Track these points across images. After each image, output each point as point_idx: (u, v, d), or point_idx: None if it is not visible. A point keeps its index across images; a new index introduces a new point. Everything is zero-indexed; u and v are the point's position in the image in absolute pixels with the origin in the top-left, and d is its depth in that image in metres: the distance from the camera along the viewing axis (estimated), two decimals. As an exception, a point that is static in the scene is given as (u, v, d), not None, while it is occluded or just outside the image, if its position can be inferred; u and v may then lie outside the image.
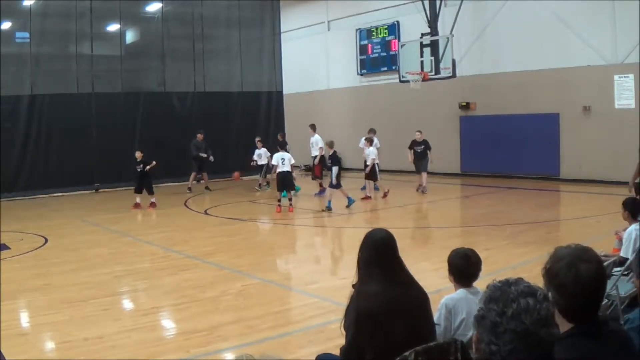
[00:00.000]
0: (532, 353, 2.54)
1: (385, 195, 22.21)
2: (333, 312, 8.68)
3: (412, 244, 13.70)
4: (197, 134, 26.58)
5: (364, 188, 22.79)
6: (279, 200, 20.33)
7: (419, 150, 23.13)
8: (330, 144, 21.27)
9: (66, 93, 27.24)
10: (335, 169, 20.34)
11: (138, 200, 21.64)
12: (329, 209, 19.50)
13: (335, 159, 20.78)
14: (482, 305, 2.64)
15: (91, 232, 17.86)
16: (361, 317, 4.64)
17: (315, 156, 23.59)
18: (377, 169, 22.02)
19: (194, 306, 9.91)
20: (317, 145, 23.72)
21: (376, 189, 22.96)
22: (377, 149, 22.39)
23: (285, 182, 20.14)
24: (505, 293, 2.60)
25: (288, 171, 20.11)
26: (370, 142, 22.07)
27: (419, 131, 23.15)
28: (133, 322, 9.25)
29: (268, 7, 32.86)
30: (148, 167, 21.59)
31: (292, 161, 20.45)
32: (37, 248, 15.16)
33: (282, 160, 20.09)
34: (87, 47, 28.04)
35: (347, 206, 19.99)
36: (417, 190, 23.15)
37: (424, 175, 23.16)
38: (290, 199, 20.20)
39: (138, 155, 21.82)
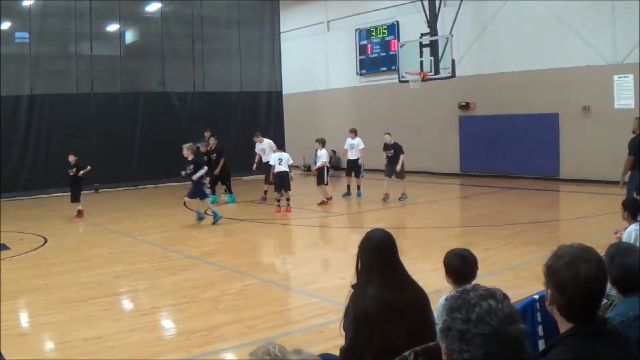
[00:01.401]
0: (505, 351, 2.54)
1: (322, 203, 21.29)
2: (333, 312, 8.66)
3: (411, 243, 13.69)
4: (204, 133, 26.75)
5: (346, 194, 23.13)
6: (278, 201, 20.34)
7: (389, 155, 21.81)
8: (321, 142, 21.60)
9: (66, 93, 27.26)
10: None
11: (80, 207, 20.02)
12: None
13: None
14: (445, 317, 2.64)
15: (91, 232, 17.87)
16: (359, 319, 4.66)
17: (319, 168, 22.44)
18: (325, 172, 21.67)
19: (194, 306, 9.90)
20: (320, 159, 22.51)
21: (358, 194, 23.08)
22: (361, 149, 22.72)
23: (284, 183, 20.01)
24: (465, 300, 2.59)
25: (286, 171, 19.99)
26: (322, 144, 21.87)
27: (388, 133, 21.80)
28: (133, 322, 9.23)
29: (267, 7, 32.85)
30: (82, 172, 19.73)
31: (291, 161, 20.36)
32: (36, 248, 15.15)
33: (280, 161, 20.06)
34: (87, 47, 28.07)
35: (319, 203, 21.13)
36: (383, 199, 21.46)
37: (403, 182, 21.91)
38: (288, 199, 20.15)
39: (71, 159, 19.75)
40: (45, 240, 16.19)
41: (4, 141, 25.01)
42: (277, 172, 20.01)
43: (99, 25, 28.90)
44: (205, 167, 18.63)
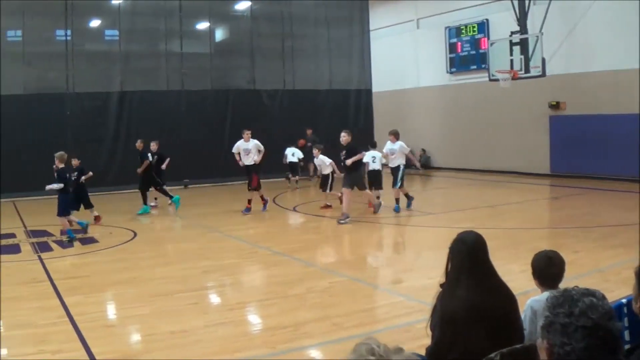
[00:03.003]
0: (604, 346, 2.58)
1: (325, 207, 19.90)
2: (420, 312, 8.43)
3: (500, 244, 13.31)
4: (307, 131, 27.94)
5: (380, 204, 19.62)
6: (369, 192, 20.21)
7: (342, 158, 18.31)
8: (320, 148, 20.61)
9: (156, 90, 27.70)
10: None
11: (96, 213, 18.49)
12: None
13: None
14: (547, 313, 2.74)
15: (180, 227, 18.03)
16: (445, 319, 4.66)
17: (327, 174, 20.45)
18: (330, 178, 20.23)
19: (280, 302, 9.82)
20: (325, 164, 20.50)
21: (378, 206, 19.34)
22: (410, 152, 20.91)
23: (377, 181, 19.72)
24: (567, 296, 2.69)
25: (379, 170, 19.71)
26: (320, 150, 20.58)
27: (345, 131, 18.29)
28: (219, 317, 9.23)
29: (357, 5, 32.69)
30: (84, 177, 18.17)
31: (383, 160, 19.85)
32: (125, 242, 15.28)
33: (373, 159, 19.70)
34: (177, 45, 28.46)
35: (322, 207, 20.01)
36: (338, 222, 17.47)
37: (368, 193, 18.84)
38: (378, 197, 19.81)
39: (74, 162, 18.14)
40: (135, 234, 16.34)
41: (95, 137, 25.47)
42: (370, 170, 19.75)
43: (189, 24, 29.32)
44: (61, 184, 15.88)
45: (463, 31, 31.11)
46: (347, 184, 17.60)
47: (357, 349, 2.63)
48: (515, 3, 24.58)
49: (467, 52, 30.96)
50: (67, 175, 15.94)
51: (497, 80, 24.74)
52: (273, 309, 9.52)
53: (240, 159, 19.79)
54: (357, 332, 8.15)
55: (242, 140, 20.00)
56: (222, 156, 27.94)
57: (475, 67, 30.35)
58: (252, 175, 19.53)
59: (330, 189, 20.16)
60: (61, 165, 15.90)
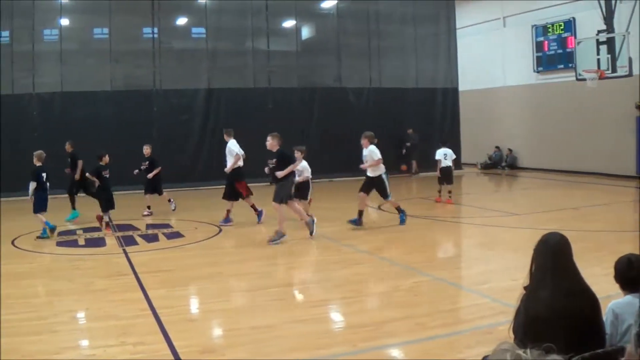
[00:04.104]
0: None
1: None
2: (503, 314, 8.29)
3: (584, 247, 12.90)
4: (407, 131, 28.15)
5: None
6: (439, 192, 21.16)
7: (269, 166, 16.52)
8: (302, 150, 17.86)
9: (243, 88, 27.95)
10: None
11: (107, 218, 17.04)
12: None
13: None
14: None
15: (264, 223, 17.96)
16: (528, 321, 4.63)
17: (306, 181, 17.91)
18: (310, 187, 17.90)
19: (364, 300, 9.82)
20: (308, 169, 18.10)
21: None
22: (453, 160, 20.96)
23: (448, 177, 20.82)
24: None
25: (450, 166, 20.80)
26: (303, 152, 17.78)
27: (271, 135, 16.05)
28: (302, 314, 9.17)
29: (443, 3, 32.44)
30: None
31: (454, 157, 21.16)
32: (210, 237, 15.34)
33: (445, 156, 20.85)
34: (263, 42, 28.69)
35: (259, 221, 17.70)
36: (269, 242, 14.73)
37: (297, 207, 15.81)
38: (449, 192, 20.89)
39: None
40: (220, 230, 16.48)
41: (182, 133, 25.76)
42: (443, 167, 20.76)
43: (276, 22, 29.57)
44: (35, 183, 15.52)
45: (550, 30, 30.49)
46: (278, 197, 14.97)
47: (497, 355, 2.38)
48: (602, 2, 24.05)
49: (554, 51, 30.32)
50: (43, 174, 15.66)
51: (584, 79, 24.43)
52: (356, 307, 9.46)
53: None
54: (439, 332, 8.07)
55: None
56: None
57: (562, 66, 29.72)
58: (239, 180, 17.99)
59: (309, 199, 17.91)
60: (38, 164, 15.66)
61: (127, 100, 26.00)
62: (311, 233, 15.05)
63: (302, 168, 17.55)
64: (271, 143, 15.57)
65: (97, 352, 7.55)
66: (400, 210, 16.96)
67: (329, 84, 30.19)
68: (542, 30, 30.90)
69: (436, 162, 21.31)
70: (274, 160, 15.51)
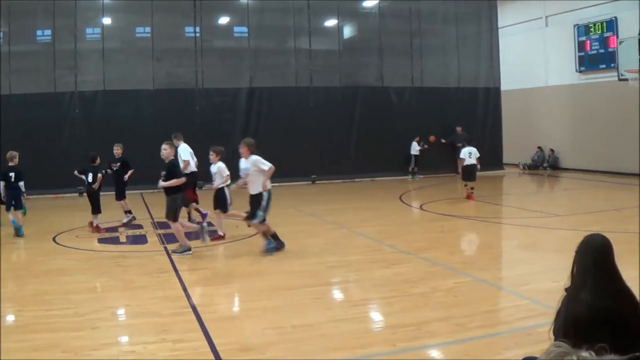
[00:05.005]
0: None
1: (217, 238, 15.18)
2: (543, 315, 8.19)
3: (627, 249, 12.64)
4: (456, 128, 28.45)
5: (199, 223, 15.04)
6: (466, 186, 21.52)
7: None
8: (218, 152, 15.56)
9: (284, 86, 28.01)
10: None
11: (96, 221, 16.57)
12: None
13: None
14: None
15: (306, 222, 18.00)
16: (569, 322, 4.56)
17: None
18: (227, 194, 15.44)
19: (404, 300, 9.67)
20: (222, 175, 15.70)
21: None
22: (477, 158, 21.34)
23: (472, 174, 21.28)
24: None
25: (474, 164, 21.28)
26: (218, 154, 15.56)
27: (167, 143, 14.23)
28: (342, 313, 9.15)
29: (485, 3, 32.27)
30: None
31: (478, 155, 21.50)
32: (252, 235, 15.30)
33: (470, 154, 21.40)
34: (305, 41, 28.71)
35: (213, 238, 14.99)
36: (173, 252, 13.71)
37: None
38: (472, 188, 21.34)
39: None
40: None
41: (224, 132, 25.88)
42: (466, 165, 21.37)
43: (318, 21, 29.57)
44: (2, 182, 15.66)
45: (592, 29, 30.11)
46: (170, 214, 13.51)
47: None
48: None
49: (596, 51, 29.93)
50: (8, 174, 15.54)
51: (626, 79, 24.35)
52: (396, 307, 9.38)
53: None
54: (478, 333, 8.04)
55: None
56: (350, 153, 28.07)
57: (604, 66, 29.35)
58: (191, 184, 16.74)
59: (226, 209, 15.43)
60: (10, 164, 15.64)
61: (169, 98, 26.19)
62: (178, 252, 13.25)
63: (215, 173, 15.47)
64: (168, 152, 13.82)
65: (137, 349, 7.60)
66: (270, 237, 13.58)
67: (371, 83, 30.10)
68: (584, 29, 30.53)
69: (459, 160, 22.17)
70: (163, 173, 13.68)
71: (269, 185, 13.48)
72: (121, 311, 9.53)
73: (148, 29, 26.54)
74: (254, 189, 13.46)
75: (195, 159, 17.27)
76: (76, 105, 25.41)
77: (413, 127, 28.64)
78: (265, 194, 13.29)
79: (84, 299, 9.80)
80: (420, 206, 20.06)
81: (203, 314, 8.85)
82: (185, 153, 16.93)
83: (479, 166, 21.40)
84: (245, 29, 27.98)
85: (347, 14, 30.58)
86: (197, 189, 17.46)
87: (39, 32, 25.73)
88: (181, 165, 15.82)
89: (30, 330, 8.31)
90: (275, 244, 13.45)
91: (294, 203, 21.32)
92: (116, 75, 25.81)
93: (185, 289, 10.29)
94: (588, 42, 30.28)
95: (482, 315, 8.87)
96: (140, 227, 16.75)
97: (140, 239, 15.30)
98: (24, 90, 24.38)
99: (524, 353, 6.19)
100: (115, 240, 15.25)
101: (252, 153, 13.64)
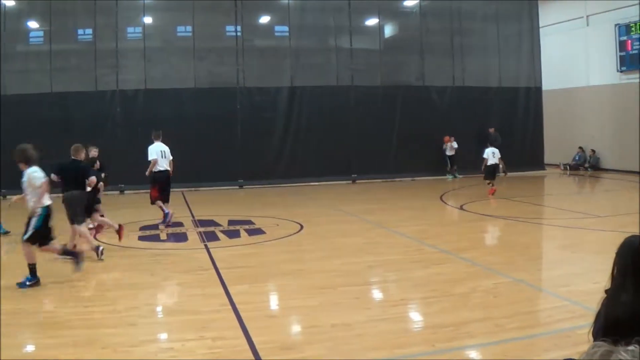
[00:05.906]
0: None
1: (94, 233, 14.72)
2: (582, 317, 8.13)
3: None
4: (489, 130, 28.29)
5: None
6: (489, 184, 22.09)
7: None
8: (77, 149, 13.16)
9: (325, 85, 28.03)
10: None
11: (91, 225, 14.98)
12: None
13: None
14: None
15: (346, 221, 17.97)
16: (608, 324, 4.46)
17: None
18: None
19: (443, 301, 9.61)
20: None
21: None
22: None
23: (494, 173, 22.33)
24: None
25: (497, 164, 22.62)
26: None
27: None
28: (381, 312, 9.13)
29: (525, 2, 32.13)
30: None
31: (499, 156, 22.75)
32: (292, 234, 15.40)
33: (493, 154, 22.22)
34: (346, 40, 28.78)
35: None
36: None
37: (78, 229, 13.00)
38: (492, 184, 22.08)
39: (93, 153, 15.71)
40: (301, 227, 16.51)
41: (265, 130, 25.95)
42: (490, 165, 22.19)
43: (358, 20, 29.63)
44: None
45: (633, 29, 29.75)
46: (74, 218, 12.70)
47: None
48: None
49: (637, 50, 29.57)
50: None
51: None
52: (435, 307, 9.34)
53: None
54: (518, 334, 7.97)
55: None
56: (390, 152, 28.05)
57: (645, 65, 29.03)
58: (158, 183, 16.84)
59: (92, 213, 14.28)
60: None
61: (211, 97, 26.39)
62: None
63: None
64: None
65: (176, 346, 7.66)
66: (69, 253, 11.51)
67: (412, 82, 30.09)
68: (625, 29, 30.18)
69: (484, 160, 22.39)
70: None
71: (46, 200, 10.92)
72: (160, 308, 9.65)
73: (189, 28, 26.79)
74: (37, 203, 10.72)
75: (168, 158, 16.93)
76: (117, 103, 25.69)
77: (454, 126, 28.58)
78: (40, 210, 10.71)
79: (124, 296, 9.89)
80: (461, 206, 19.97)
81: (242, 311, 8.86)
82: (152, 153, 16.65)
83: (501, 166, 22.13)
84: (286, 28, 28.13)
85: (388, 13, 30.64)
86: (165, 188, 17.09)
87: (80, 31, 26.13)
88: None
89: (69, 326, 8.40)
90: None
91: (334, 202, 21.36)
92: (157, 74, 26.09)
93: (225, 287, 10.33)
94: (629, 41, 29.93)
95: (521, 317, 8.79)
96: (181, 224, 16.85)
97: (181, 237, 15.40)
98: (65, 89, 24.69)
99: (564, 355, 6.14)
100: (155, 238, 15.38)
101: (31, 165, 10.80)
